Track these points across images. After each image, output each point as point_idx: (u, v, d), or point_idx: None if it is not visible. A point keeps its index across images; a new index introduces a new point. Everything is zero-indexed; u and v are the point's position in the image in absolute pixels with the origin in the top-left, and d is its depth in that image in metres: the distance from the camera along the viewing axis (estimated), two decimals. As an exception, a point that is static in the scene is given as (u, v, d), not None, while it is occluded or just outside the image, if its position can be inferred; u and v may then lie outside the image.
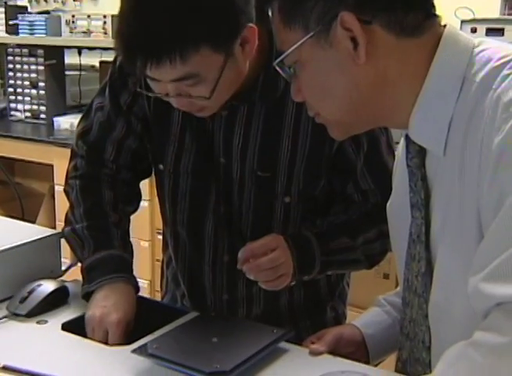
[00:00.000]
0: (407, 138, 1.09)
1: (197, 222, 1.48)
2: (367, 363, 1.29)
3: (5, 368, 1.15)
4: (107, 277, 1.37)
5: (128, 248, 1.46)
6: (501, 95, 0.94)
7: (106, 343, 1.29)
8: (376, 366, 1.32)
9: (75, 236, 1.45)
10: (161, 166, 1.48)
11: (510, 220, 0.91)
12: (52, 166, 3.32)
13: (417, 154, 1.09)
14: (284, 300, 1.51)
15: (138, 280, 1.43)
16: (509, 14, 2.75)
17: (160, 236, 1.73)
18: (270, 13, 1.06)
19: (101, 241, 1.43)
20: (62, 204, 3.35)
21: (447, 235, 1.05)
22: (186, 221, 1.50)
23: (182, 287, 1.59)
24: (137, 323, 1.34)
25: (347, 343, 1.30)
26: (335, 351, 1.26)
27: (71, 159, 1.57)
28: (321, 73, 1.03)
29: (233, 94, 1.31)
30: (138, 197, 1.59)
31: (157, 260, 2.99)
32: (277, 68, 1.06)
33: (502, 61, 0.98)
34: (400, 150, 1.20)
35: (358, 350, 1.31)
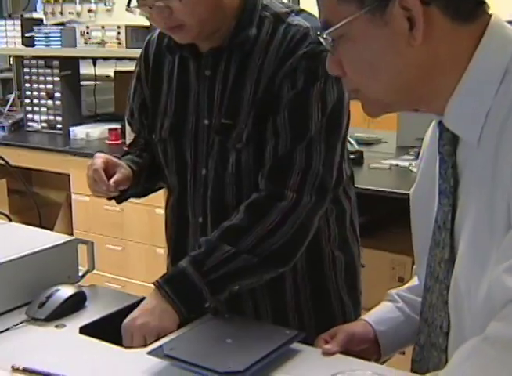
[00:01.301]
0: (440, 124, 1.07)
1: (183, 185, 1.55)
2: (378, 359, 1.30)
3: (26, 370, 1.18)
4: None
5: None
6: None
7: (119, 340, 1.32)
8: (383, 363, 1.33)
9: None
10: (154, 136, 1.58)
11: None
12: (68, 175, 3.32)
13: (450, 142, 1.06)
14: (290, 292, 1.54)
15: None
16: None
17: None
18: None
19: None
20: (79, 213, 3.39)
21: (473, 224, 1.03)
22: (177, 185, 1.57)
23: None
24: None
25: (360, 341, 1.30)
26: (347, 349, 1.27)
27: None
28: (371, 50, 0.99)
29: (212, 47, 1.45)
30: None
31: (173, 267, 3.00)
32: (320, 39, 1.02)
33: None
34: (428, 136, 1.19)
35: (371, 347, 1.31)
